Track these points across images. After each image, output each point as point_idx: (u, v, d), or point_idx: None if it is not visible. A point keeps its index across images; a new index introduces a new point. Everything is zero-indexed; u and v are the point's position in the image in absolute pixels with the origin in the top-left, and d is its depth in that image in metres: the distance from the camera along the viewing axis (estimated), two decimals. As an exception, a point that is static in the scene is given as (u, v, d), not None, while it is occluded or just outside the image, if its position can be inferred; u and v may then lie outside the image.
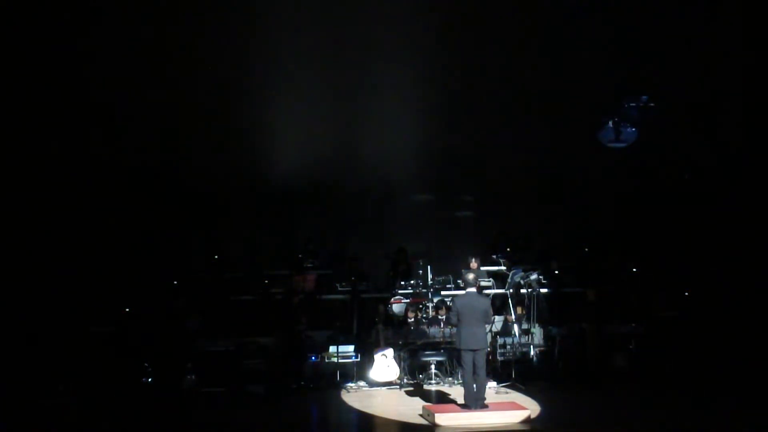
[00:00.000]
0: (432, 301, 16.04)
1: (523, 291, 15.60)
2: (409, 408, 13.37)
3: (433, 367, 15.07)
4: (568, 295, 16.56)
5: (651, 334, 15.95)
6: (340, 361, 15.50)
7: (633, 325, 16.14)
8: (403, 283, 16.66)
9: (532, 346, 15.47)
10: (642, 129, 16.73)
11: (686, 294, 16.76)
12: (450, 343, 14.83)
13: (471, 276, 12.99)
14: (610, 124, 16.55)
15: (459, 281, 15.68)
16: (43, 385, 14.65)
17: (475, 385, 12.52)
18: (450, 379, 15.08)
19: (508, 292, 15.76)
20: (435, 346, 15.40)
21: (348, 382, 15.25)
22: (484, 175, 18.80)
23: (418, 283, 16.39)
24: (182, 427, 12.98)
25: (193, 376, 15.07)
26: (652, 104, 16.47)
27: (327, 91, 18.01)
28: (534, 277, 15.52)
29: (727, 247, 17.08)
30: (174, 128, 17.82)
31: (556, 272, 16.88)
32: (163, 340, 15.43)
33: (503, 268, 16.51)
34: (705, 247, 17.23)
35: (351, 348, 15.58)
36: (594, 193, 18.34)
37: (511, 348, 15.37)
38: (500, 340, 15.45)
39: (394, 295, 16.51)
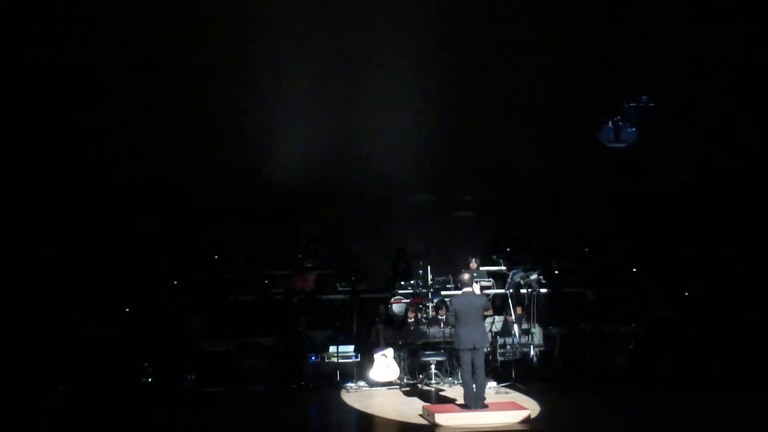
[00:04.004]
0: (432, 301, 16.05)
1: (523, 291, 15.60)
2: (409, 408, 13.37)
3: (433, 367, 15.07)
4: (568, 295, 16.56)
5: (651, 334, 15.95)
6: (340, 361, 15.51)
7: (633, 325, 16.14)
8: (403, 283, 16.66)
9: (532, 346, 15.48)
10: (642, 129, 16.75)
11: (686, 294, 16.76)
12: (450, 343, 14.83)
13: (467, 276, 12.98)
14: (610, 124, 16.55)
15: (458, 281, 15.68)
16: (43, 385, 14.66)
17: (474, 385, 12.53)
18: (450, 379, 15.08)
19: (508, 292, 15.76)
20: (435, 346, 15.41)
21: (348, 382, 15.25)
22: (484, 175, 18.80)
23: (418, 283, 16.40)
24: (182, 427, 12.98)
25: (193, 376, 15.09)
26: (651, 104, 16.48)
27: (327, 91, 18.01)
28: (534, 277, 15.52)
29: (727, 247, 17.09)
30: (174, 128, 17.83)
31: (556, 272, 16.88)
32: (163, 340, 15.43)
33: (503, 268, 16.51)
34: (705, 247, 17.24)
35: (351, 348, 15.59)
36: (594, 193, 18.34)
37: (511, 348, 15.38)
38: (500, 340, 15.45)
39: (394, 295, 16.52)
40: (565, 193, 18.53)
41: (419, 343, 15.49)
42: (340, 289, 16.92)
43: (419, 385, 15.05)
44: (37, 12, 16.31)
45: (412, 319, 15.79)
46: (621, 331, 16.03)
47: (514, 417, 12.35)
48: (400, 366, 15.14)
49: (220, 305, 16.43)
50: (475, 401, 12.49)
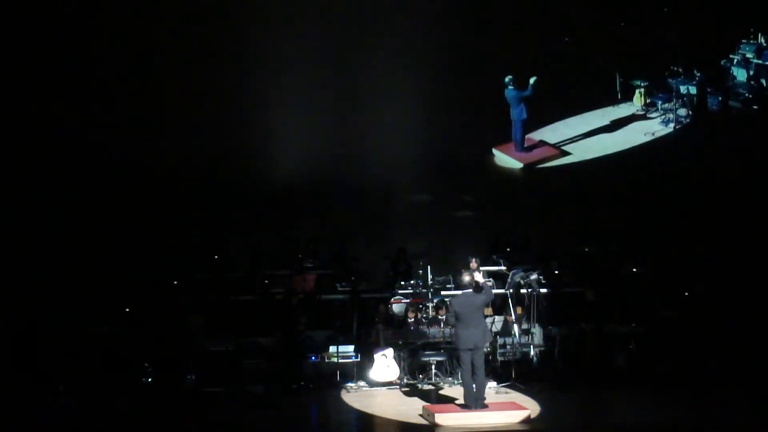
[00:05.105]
0: (432, 301, 16.03)
1: (523, 291, 15.59)
2: (409, 408, 13.37)
3: (433, 367, 15.07)
4: (568, 295, 16.53)
5: (651, 334, 15.93)
6: (340, 361, 15.49)
7: (633, 325, 16.12)
8: (403, 283, 16.63)
9: (532, 346, 15.46)
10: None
11: (686, 294, 16.75)
12: (450, 343, 14.82)
13: (467, 278, 12.97)
14: None
15: (458, 281, 15.65)
16: (43, 385, 14.65)
17: (474, 385, 12.52)
18: (450, 379, 15.08)
19: (508, 292, 15.75)
20: (435, 346, 15.39)
21: (348, 382, 15.24)
22: (484, 175, 18.80)
23: (418, 283, 16.37)
24: (182, 427, 12.98)
25: (193, 376, 15.08)
26: None
27: (327, 91, 18.02)
28: (534, 277, 15.50)
29: (727, 247, 17.08)
30: (174, 128, 17.84)
31: (556, 272, 16.86)
32: (163, 340, 15.42)
33: (503, 268, 16.49)
34: (705, 247, 17.23)
35: (351, 348, 15.57)
36: (595, 193, 18.35)
37: (511, 348, 15.36)
38: (500, 340, 15.43)
39: (394, 295, 16.49)
40: (565, 193, 18.53)
41: (419, 343, 15.47)
42: (340, 289, 16.88)
43: (419, 385, 15.04)
44: (39, 10, 16.37)
45: (412, 319, 15.77)
46: (621, 331, 15.99)
47: (514, 417, 12.36)
48: (400, 366, 15.12)
49: (220, 305, 16.40)
50: (475, 401, 12.49)
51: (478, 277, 13.08)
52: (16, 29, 16.93)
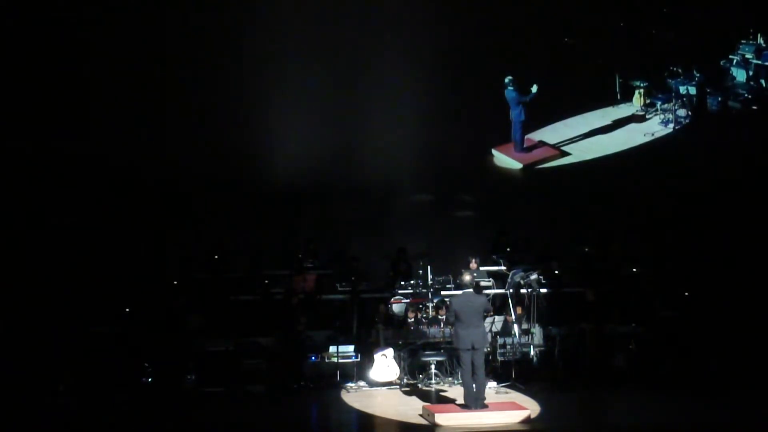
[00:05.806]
0: (432, 301, 16.02)
1: (523, 291, 15.58)
2: (409, 408, 13.37)
3: (433, 367, 15.06)
4: (568, 295, 16.54)
5: (651, 334, 15.94)
6: (340, 361, 15.49)
7: (633, 325, 16.12)
8: (403, 283, 16.62)
9: (532, 346, 15.46)
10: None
11: (686, 294, 16.76)
12: (450, 343, 14.82)
13: (468, 277, 12.98)
14: None
15: (458, 281, 15.66)
16: (43, 385, 14.65)
17: (474, 385, 12.52)
18: (450, 379, 15.08)
19: (508, 292, 15.74)
20: (435, 346, 15.39)
21: (348, 382, 15.24)
22: (484, 175, 18.81)
23: (418, 283, 16.36)
24: (182, 427, 12.98)
25: (193, 376, 15.08)
26: None
27: (327, 91, 18.03)
28: (534, 277, 15.50)
29: (727, 247, 17.09)
30: (174, 128, 17.85)
31: (556, 272, 16.87)
32: (163, 340, 15.42)
33: (503, 268, 16.49)
34: (705, 247, 17.24)
35: (351, 348, 15.57)
36: (594, 193, 18.36)
37: (511, 348, 15.36)
38: (500, 340, 15.44)
39: (394, 295, 16.49)
40: (565, 193, 18.54)
41: (419, 343, 15.47)
42: (340, 289, 16.88)
43: (419, 385, 15.04)
44: (39, 10, 16.38)
45: (412, 319, 15.77)
46: (621, 331, 16.00)
47: (514, 417, 12.36)
48: (400, 366, 15.12)
49: (220, 305, 16.40)
50: (475, 401, 12.49)
51: None
52: (15, 28, 16.94)
